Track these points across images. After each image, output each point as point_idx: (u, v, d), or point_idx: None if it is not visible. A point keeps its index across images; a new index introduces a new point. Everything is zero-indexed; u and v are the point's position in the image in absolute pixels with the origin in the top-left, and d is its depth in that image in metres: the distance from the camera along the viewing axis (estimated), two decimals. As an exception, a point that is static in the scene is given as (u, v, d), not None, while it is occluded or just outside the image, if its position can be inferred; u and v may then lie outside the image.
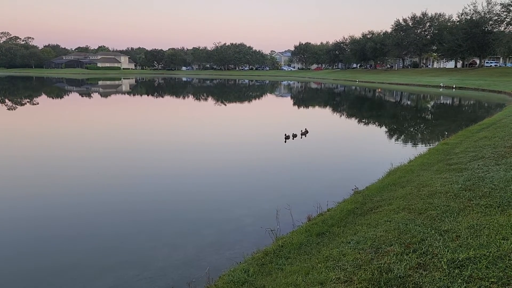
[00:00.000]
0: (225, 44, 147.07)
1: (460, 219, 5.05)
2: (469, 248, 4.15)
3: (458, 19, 72.19)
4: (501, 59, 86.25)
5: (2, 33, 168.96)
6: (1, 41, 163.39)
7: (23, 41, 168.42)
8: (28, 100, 38.14)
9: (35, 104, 34.45)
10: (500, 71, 59.61)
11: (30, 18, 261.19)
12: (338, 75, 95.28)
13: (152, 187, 9.88)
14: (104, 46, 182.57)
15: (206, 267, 5.52)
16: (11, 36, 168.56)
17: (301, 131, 16.50)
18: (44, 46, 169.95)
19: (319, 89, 63.31)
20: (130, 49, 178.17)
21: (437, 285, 3.57)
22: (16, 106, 32.74)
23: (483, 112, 26.95)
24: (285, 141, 15.27)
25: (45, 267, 6.03)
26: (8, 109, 30.32)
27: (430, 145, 14.23)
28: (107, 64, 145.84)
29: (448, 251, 4.14)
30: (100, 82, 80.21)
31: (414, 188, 7.10)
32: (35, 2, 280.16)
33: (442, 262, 3.94)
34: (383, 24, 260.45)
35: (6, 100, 37.77)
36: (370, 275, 3.93)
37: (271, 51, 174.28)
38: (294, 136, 15.97)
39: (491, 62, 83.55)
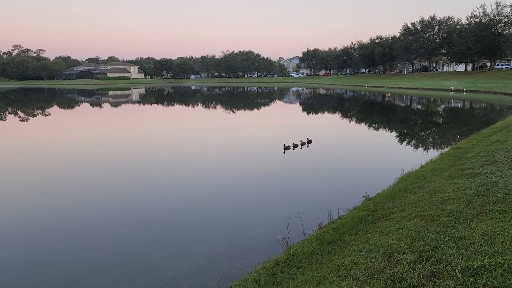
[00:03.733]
0: (233, 52, 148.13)
1: (473, 226, 4.97)
2: (483, 255, 4.07)
3: (467, 22, 71.62)
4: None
5: (14, 46, 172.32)
6: (14, 54, 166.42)
7: (34, 53, 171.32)
8: (40, 111, 38.71)
9: (48, 115, 34.93)
10: (511, 73, 58.89)
11: (41, 30, 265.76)
12: (347, 80, 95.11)
13: (162, 197, 9.92)
14: (114, 57, 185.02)
15: (217, 277, 5.50)
16: (23, 48, 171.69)
17: (301, 141, 15.76)
18: (55, 58, 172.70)
19: (328, 95, 63.20)
20: (139, 59, 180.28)
21: (452, 294, 3.51)
22: (29, 117, 33.23)
23: (495, 115, 26.63)
24: (284, 152, 14.70)
25: (56, 278, 6.07)
26: (21, 120, 30.80)
27: (441, 150, 14.06)
28: (117, 74, 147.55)
29: (462, 259, 4.07)
30: (110, 92, 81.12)
31: (426, 194, 7.02)
32: (46, 15, 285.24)
33: (456, 270, 3.87)
34: (391, 29, 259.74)
35: (19, 112, 38.38)
36: (382, 285, 3.88)
37: (279, 57, 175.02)
38: (295, 146, 15.33)
39: (502, 65, 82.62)
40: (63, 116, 35.34)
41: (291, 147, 15.20)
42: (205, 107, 42.52)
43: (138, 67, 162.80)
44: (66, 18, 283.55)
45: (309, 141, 16.18)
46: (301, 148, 15.39)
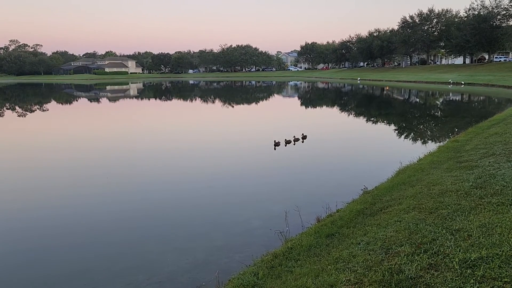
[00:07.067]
0: (231, 46, 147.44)
1: (471, 218, 4.98)
2: (481, 247, 4.08)
3: (466, 15, 71.54)
4: (510, 54, 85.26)
5: (11, 41, 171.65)
6: (10, 49, 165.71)
7: (31, 48, 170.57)
8: (38, 106, 38.54)
9: (45, 111, 34.79)
10: (510, 66, 58.87)
11: (38, 25, 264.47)
12: (345, 74, 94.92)
13: (160, 192, 9.91)
14: (112, 51, 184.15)
15: (216, 270, 5.51)
16: (20, 43, 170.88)
17: (294, 136, 15.25)
18: (52, 53, 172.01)
19: (326, 88, 63.10)
20: (137, 53, 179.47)
21: (449, 285, 3.52)
22: (26, 112, 33.11)
23: (493, 108, 26.64)
24: (275, 148, 14.26)
25: (56, 274, 6.07)
26: (19, 115, 30.68)
27: (439, 143, 14.08)
28: (115, 69, 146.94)
29: (459, 251, 4.08)
30: (108, 87, 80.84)
31: (424, 187, 7.03)
32: (43, 10, 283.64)
33: (454, 262, 3.88)
34: (390, 22, 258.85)
35: (17, 107, 38.23)
36: (380, 277, 3.89)
37: (277, 51, 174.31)
38: (288, 142, 14.81)
39: (500, 57, 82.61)
40: (61, 111, 35.23)
41: (283, 143, 14.71)
42: (203, 101, 42.43)
43: (135, 62, 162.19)
44: (63, 12, 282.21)
45: (304, 137, 15.79)
46: (294, 144, 14.97)
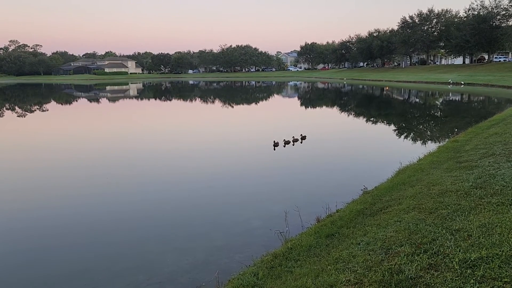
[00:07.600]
0: (231, 46, 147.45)
1: (471, 218, 4.98)
2: (481, 247, 4.08)
3: (465, 15, 71.53)
4: (510, 54, 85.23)
5: (10, 41, 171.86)
6: (10, 49, 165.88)
7: (31, 48, 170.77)
8: (38, 107, 38.53)
9: (45, 111, 34.77)
10: (510, 66, 58.84)
11: (38, 25, 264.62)
12: (345, 74, 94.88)
13: (160, 192, 9.91)
14: (111, 52, 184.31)
15: (216, 270, 5.51)
16: (19, 44, 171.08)
17: (293, 137, 15.21)
18: (52, 53, 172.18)
19: (326, 88, 63.10)
20: (137, 53, 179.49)
21: (449, 285, 3.52)
22: (26, 112, 33.09)
23: (493, 108, 26.64)
24: (274, 149, 14.21)
25: (56, 274, 6.07)
26: (19, 116, 30.67)
27: (439, 143, 14.08)
28: (115, 69, 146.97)
29: (459, 251, 4.08)
30: (108, 88, 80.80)
31: (424, 187, 7.03)
32: (43, 10, 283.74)
33: (454, 262, 3.88)
34: (389, 22, 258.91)
35: (17, 107, 38.22)
36: (380, 277, 3.89)
37: (277, 52, 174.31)
38: (287, 143, 14.77)
39: (500, 57, 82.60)
40: (61, 112, 35.21)
41: (281, 144, 14.61)
42: (203, 102, 42.42)
43: (135, 62, 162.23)
44: (63, 12, 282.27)
45: (303, 137, 15.73)
46: (293, 144, 14.92)
